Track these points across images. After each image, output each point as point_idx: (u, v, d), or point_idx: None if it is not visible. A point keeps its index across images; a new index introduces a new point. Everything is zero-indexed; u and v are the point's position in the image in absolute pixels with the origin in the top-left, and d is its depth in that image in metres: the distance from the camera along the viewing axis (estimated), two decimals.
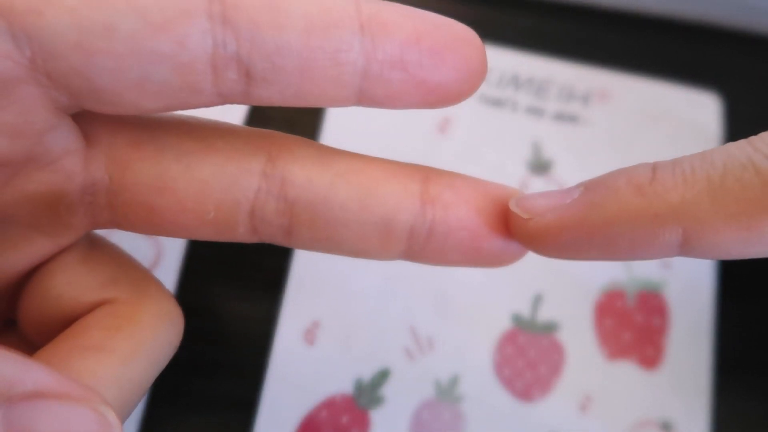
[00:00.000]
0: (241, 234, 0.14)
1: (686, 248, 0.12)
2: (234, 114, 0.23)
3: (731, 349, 0.22)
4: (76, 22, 0.11)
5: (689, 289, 0.23)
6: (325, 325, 0.21)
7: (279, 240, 0.14)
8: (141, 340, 0.13)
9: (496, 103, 0.24)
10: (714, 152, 0.12)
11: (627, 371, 0.22)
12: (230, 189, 0.13)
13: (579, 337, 0.22)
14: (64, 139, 0.13)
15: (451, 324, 0.22)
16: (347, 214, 0.13)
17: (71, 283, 0.14)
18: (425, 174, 0.14)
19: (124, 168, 0.13)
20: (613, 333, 0.22)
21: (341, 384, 0.21)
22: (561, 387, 0.21)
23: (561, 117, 0.24)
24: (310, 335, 0.21)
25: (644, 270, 0.23)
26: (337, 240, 0.14)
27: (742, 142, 0.12)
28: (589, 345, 0.22)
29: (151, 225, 0.14)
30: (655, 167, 0.13)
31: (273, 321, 0.21)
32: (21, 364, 0.10)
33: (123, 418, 0.13)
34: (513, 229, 0.14)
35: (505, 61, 0.25)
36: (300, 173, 0.14)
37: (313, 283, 0.21)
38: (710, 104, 0.25)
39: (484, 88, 0.24)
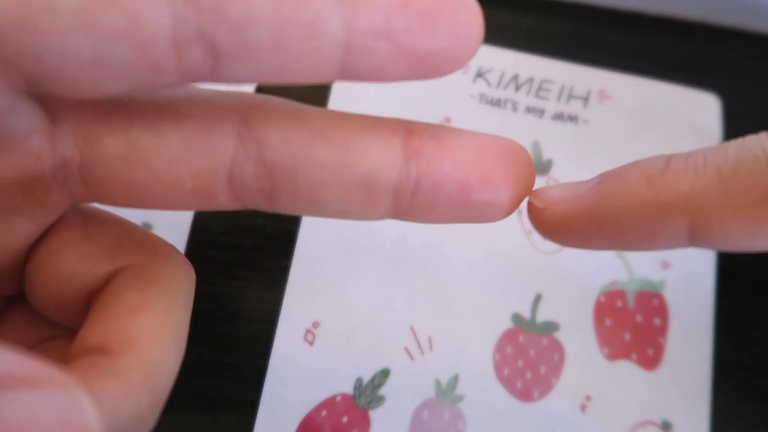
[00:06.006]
0: (223, 202, 0.13)
1: (694, 239, 0.12)
2: None
3: (731, 349, 0.22)
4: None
5: (689, 289, 0.23)
6: (325, 325, 0.21)
7: (262, 205, 0.14)
8: (172, 292, 0.14)
9: (496, 103, 0.24)
10: (730, 145, 0.12)
11: (627, 371, 0.22)
12: (205, 156, 0.13)
13: (579, 337, 0.22)
14: (27, 120, 0.12)
15: (451, 324, 0.22)
16: (328, 172, 0.13)
17: (81, 258, 0.14)
18: (408, 127, 0.13)
19: (94, 143, 0.13)
20: (613, 333, 0.22)
21: (341, 384, 0.21)
22: (561, 387, 0.21)
23: (561, 117, 0.24)
24: (310, 335, 0.21)
25: (644, 270, 0.23)
26: (319, 201, 0.13)
27: (761, 135, 0.12)
28: (589, 345, 0.22)
29: (129, 198, 0.13)
30: (669, 159, 0.13)
31: (273, 321, 0.21)
32: None
33: (176, 369, 0.13)
34: (531, 219, 0.14)
35: (505, 61, 0.25)
36: (276, 133, 0.13)
37: (313, 283, 0.21)
38: (710, 104, 0.25)
39: (484, 88, 0.24)
